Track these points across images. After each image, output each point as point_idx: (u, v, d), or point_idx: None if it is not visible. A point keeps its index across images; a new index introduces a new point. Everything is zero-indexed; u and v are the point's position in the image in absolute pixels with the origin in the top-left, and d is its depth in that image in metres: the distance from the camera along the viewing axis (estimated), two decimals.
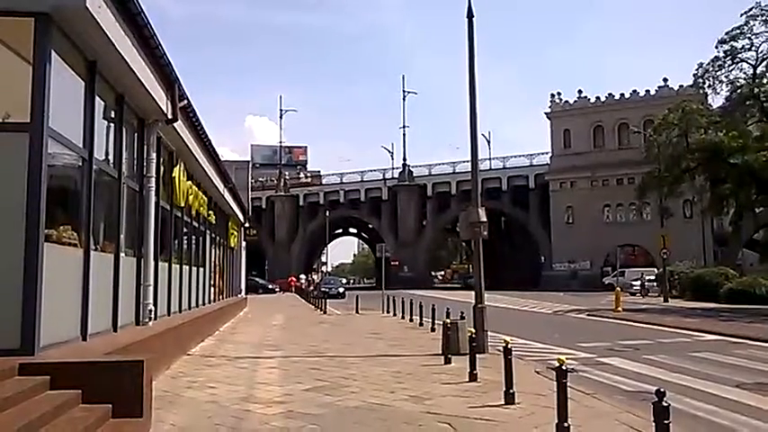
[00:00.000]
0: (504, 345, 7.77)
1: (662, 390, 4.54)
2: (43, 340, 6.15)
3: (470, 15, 13.97)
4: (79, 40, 6.99)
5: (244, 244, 31.69)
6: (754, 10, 31.02)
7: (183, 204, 13.26)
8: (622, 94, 61.25)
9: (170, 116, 10.12)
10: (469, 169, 14.94)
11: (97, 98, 7.79)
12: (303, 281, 56.07)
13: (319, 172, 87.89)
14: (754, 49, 31.85)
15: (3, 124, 6.28)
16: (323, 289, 41.38)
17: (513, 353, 7.74)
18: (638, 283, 40.62)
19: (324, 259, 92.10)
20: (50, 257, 6.26)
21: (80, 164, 7.40)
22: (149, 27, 7.90)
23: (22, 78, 6.17)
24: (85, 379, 5.77)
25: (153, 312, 10.11)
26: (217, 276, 21.10)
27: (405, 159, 75.07)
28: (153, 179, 10.22)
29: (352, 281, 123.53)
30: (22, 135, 6.10)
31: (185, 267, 14.34)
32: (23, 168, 6.05)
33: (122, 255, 9.00)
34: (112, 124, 8.75)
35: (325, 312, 27.34)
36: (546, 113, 65.11)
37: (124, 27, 7.40)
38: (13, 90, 6.38)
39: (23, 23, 6.19)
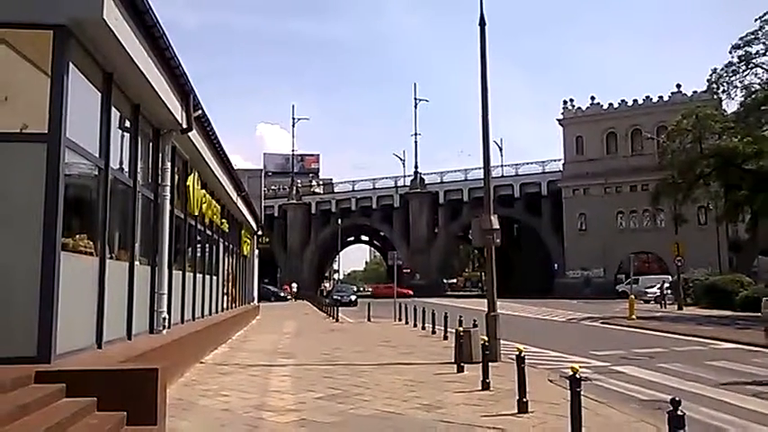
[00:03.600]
0: (517, 353, 7.75)
1: (677, 399, 4.52)
2: (59, 348, 6.21)
3: (482, 23, 14.02)
4: (96, 52, 7.09)
5: (256, 252, 31.82)
6: None
7: (196, 213, 13.35)
8: (635, 101, 60.90)
9: (185, 126, 10.22)
10: (481, 176, 14.95)
11: (113, 109, 7.89)
12: (295, 287, 62.92)
13: (331, 180, 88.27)
14: None
15: (21, 135, 6.38)
16: (335, 297, 41.37)
17: (526, 361, 7.72)
18: (654, 290, 40.19)
19: (336, 267, 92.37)
20: (67, 266, 6.33)
21: (96, 173, 7.49)
22: (165, 38, 8.00)
23: (41, 90, 6.27)
24: (101, 387, 5.82)
25: (167, 320, 10.17)
26: (230, 284, 21.19)
27: (416, 167, 75.27)
28: (168, 188, 10.30)
29: (363, 288, 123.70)
30: (40, 145, 6.18)
31: (199, 275, 14.43)
32: (41, 178, 6.13)
33: (137, 263, 9.08)
34: (128, 134, 8.84)
35: (336, 320, 27.36)
36: (558, 120, 64.88)
37: (140, 38, 7.50)
38: (31, 101, 6.48)
39: (42, 36, 6.30)
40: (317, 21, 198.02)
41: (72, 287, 6.55)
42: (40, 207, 6.11)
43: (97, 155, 7.40)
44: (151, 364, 6.62)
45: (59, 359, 6.19)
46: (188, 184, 12.42)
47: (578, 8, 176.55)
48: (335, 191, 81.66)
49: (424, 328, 20.49)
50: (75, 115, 6.46)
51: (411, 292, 55.58)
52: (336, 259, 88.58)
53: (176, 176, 11.47)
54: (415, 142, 77.10)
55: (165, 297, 10.18)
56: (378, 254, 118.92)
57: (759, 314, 26.73)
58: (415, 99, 78.38)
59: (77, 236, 7.02)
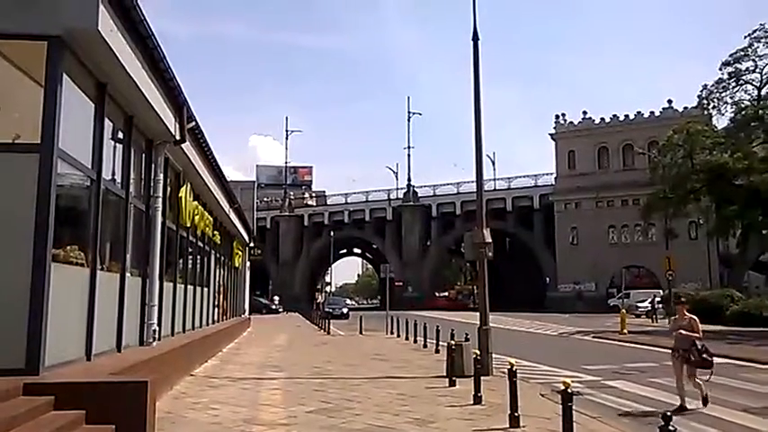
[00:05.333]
0: (509, 367, 7.74)
1: (668, 413, 4.53)
2: (48, 360, 6.16)
3: (476, 38, 14.13)
4: (90, 63, 7.10)
5: (248, 264, 31.70)
6: (758, 32, 31.31)
7: (188, 224, 13.32)
8: (627, 116, 61.37)
9: (178, 137, 10.22)
10: (474, 189, 14.99)
11: (106, 120, 7.89)
12: (277, 300, 62.08)
13: (324, 192, 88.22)
14: (758, 71, 32.13)
15: (13, 145, 6.36)
16: (326, 309, 41.25)
17: (518, 375, 7.71)
18: (646, 304, 40.23)
19: (328, 279, 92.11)
20: (57, 277, 6.30)
21: (88, 184, 7.48)
22: (159, 49, 8.02)
23: (34, 100, 6.27)
24: (89, 399, 5.77)
25: (157, 333, 10.11)
26: (221, 296, 21.09)
27: (409, 179, 75.38)
28: (160, 199, 10.28)
29: (361, 301, 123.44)
30: (33, 156, 6.17)
31: (190, 287, 14.36)
32: (33, 188, 6.11)
33: (128, 275, 9.04)
34: (121, 145, 8.83)
35: (328, 333, 27.26)
36: (550, 134, 65.24)
37: (134, 50, 7.51)
38: (24, 111, 6.48)
39: (36, 47, 6.31)
40: (311, 34, 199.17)
41: (62, 298, 6.51)
42: (31, 217, 6.09)
43: (89, 166, 7.39)
44: (141, 376, 6.58)
45: (48, 371, 6.14)
46: (180, 195, 12.39)
47: (573, 23, 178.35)
48: (328, 203, 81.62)
49: (416, 341, 20.44)
50: (67, 126, 6.45)
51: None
52: (329, 271, 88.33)
53: (169, 188, 11.45)
54: (408, 155, 77.55)
55: (156, 309, 10.13)
56: (370, 266, 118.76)
57: (749, 329, 26.89)
58: (409, 112, 78.81)
59: (68, 247, 6.98)
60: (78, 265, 7.21)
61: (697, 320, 9.75)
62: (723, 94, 33.07)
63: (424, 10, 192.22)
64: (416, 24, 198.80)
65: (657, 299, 39.10)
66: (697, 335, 9.46)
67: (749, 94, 32.68)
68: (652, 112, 59.72)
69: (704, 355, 9.26)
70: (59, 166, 6.36)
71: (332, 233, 68.24)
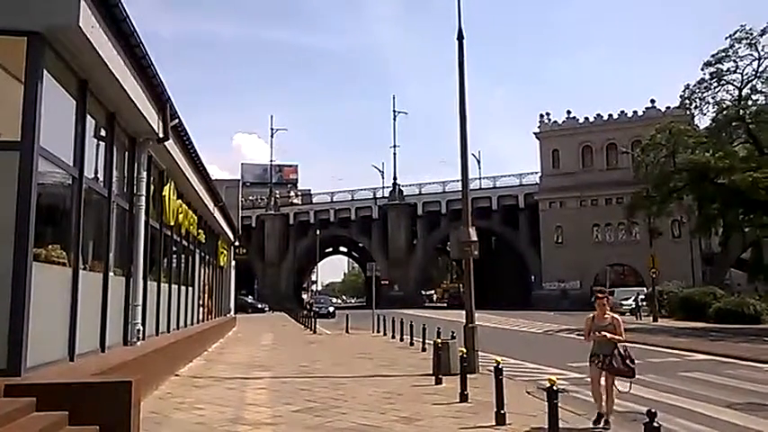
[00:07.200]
0: (495, 365, 7.76)
1: (653, 410, 4.55)
2: (30, 361, 6.08)
3: (460, 37, 14.15)
4: (71, 60, 7.00)
5: (233, 263, 31.53)
6: (738, 33, 31.65)
7: (172, 223, 13.20)
8: (610, 115, 61.77)
9: (161, 135, 10.12)
10: (459, 188, 15.01)
11: (88, 117, 7.79)
12: (252, 299, 62.37)
13: (310, 191, 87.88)
14: (739, 71, 32.50)
15: None
16: (313, 308, 41.17)
17: (504, 373, 7.73)
18: (630, 302, 40.59)
19: (314, 278, 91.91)
20: (39, 277, 6.21)
21: (70, 182, 7.38)
22: (142, 46, 7.93)
23: (14, 97, 6.17)
24: (72, 400, 5.70)
25: (141, 332, 10.02)
26: (206, 296, 20.95)
27: (395, 178, 75.27)
28: (143, 198, 10.18)
29: (348, 300, 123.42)
30: (13, 153, 6.08)
31: (174, 287, 14.24)
32: (13, 187, 6.02)
33: (111, 274, 8.94)
34: (103, 143, 8.73)
35: (314, 332, 27.18)
36: (535, 133, 65.51)
37: (116, 46, 7.42)
38: (3, 108, 6.37)
39: (16, 42, 6.20)
40: (297, 32, 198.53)
41: (44, 298, 6.42)
42: (11, 216, 5.99)
43: (71, 164, 7.30)
44: (125, 376, 6.51)
45: (30, 372, 6.05)
46: (164, 194, 12.29)
47: (560, 23, 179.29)
48: (314, 202, 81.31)
49: (402, 339, 20.44)
50: (48, 123, 6.35)
51: None
52: (314, 270, 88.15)
53: (152, 186, 11.33)
54: (394, 154, 77.48)
55: (140, 308, 10.03)
56: (356, 265, 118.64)
57: (732, 326, 27.22)
58: (394, 111, 78.63)
59: (50, 246, 6.89)
60: (60, 265, 7.12)
61: (620, 320, 8.15)
62: (705, 94, 33.48)
63: (412, 9, 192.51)
64: (404, 23, 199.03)
65: (641, 297, 39.42)
66: (620, 338, 7.89)
67: (730, 95, 33.12)
68: (635, 112, 60.16)
69: (627, 362, 7.71)
70: (40, 164, 6.27)
71: (318, 232, 68.04)
